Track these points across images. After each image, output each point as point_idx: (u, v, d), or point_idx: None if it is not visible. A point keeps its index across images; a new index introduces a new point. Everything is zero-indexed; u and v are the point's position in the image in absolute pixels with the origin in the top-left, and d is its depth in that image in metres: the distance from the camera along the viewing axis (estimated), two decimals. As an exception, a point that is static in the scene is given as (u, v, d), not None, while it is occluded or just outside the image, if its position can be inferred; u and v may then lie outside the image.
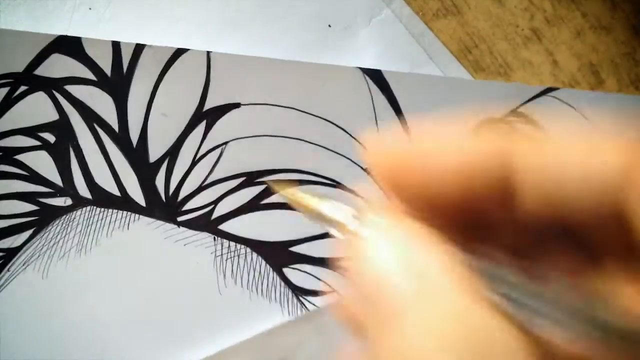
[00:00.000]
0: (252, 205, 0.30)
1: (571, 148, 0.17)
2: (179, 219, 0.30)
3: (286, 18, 0.30)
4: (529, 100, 0.32)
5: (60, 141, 0.29)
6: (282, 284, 0.30)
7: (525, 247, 0.19)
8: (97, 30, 0.29)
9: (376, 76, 0.30)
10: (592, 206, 0.16)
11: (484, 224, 0.18)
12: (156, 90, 0.29)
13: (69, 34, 0.28)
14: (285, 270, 0.30)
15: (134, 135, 0.29)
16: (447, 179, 0.16)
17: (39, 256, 0.29)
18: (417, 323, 0.13)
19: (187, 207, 0.30)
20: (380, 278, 0.15)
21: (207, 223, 0.30)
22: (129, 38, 0.29)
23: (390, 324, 0.13)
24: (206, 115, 0.30)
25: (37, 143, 0.29)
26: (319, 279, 0.30)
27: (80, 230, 0.29)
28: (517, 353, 0.12)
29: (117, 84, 0.29)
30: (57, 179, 0.29)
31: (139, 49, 0.29)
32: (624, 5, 0.33)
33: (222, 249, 0.30)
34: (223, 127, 0.30)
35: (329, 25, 0.31)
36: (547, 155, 0.17)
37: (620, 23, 0.33)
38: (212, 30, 0.30)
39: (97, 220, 0.29)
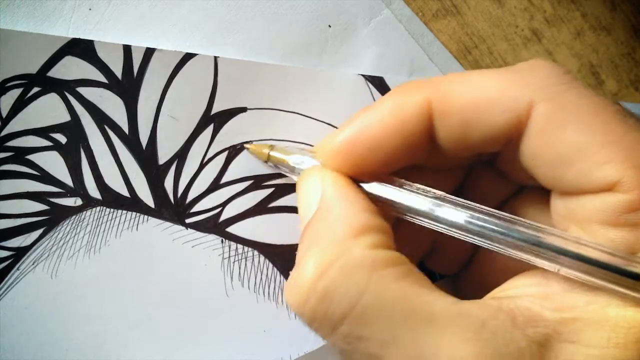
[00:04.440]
0: (260, 208, 0.30)
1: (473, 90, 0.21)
2: (188, 220, 0.30)
3: (286, 18, 0.31)
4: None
5: (72, 142, 0.29)
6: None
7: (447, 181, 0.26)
8: (98, 31, 0.29)
9: (378, 82, 0.31)
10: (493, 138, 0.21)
11: (415, 166, 0.23)
12: (165, 93, 0.29)
13: (69, 35, 0.28)
14: (292, 273, 0.30)
15: (144, 137, 0.29)
16: (386, 142, 0.21)
17: (48, 256, 0.29)
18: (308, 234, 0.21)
19: (195, 209, 0.30)
20: (299, 202, 0.23)
21: (215, 225, 0.30)
22: (129, 39, 0.29)
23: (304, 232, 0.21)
24: (214, 119, 0.30)
25: (49, 143, 0.29)
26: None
27: (90, 231, 0.29)
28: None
29: (127, 86, 0.29)
30: (67, 179, 0.29)
31: (149, 52, 0.29)
32: (624, 6, 0.34)
33: (229, 251, 0.30)
34: (230, 131, 0.30)
35: (329, 26, 0.31)
36: (455, 99, 0.21)
37: (620, 23, 0.33)
38: (212, 30, 0.30)
39: (107, 221, 0.29)
